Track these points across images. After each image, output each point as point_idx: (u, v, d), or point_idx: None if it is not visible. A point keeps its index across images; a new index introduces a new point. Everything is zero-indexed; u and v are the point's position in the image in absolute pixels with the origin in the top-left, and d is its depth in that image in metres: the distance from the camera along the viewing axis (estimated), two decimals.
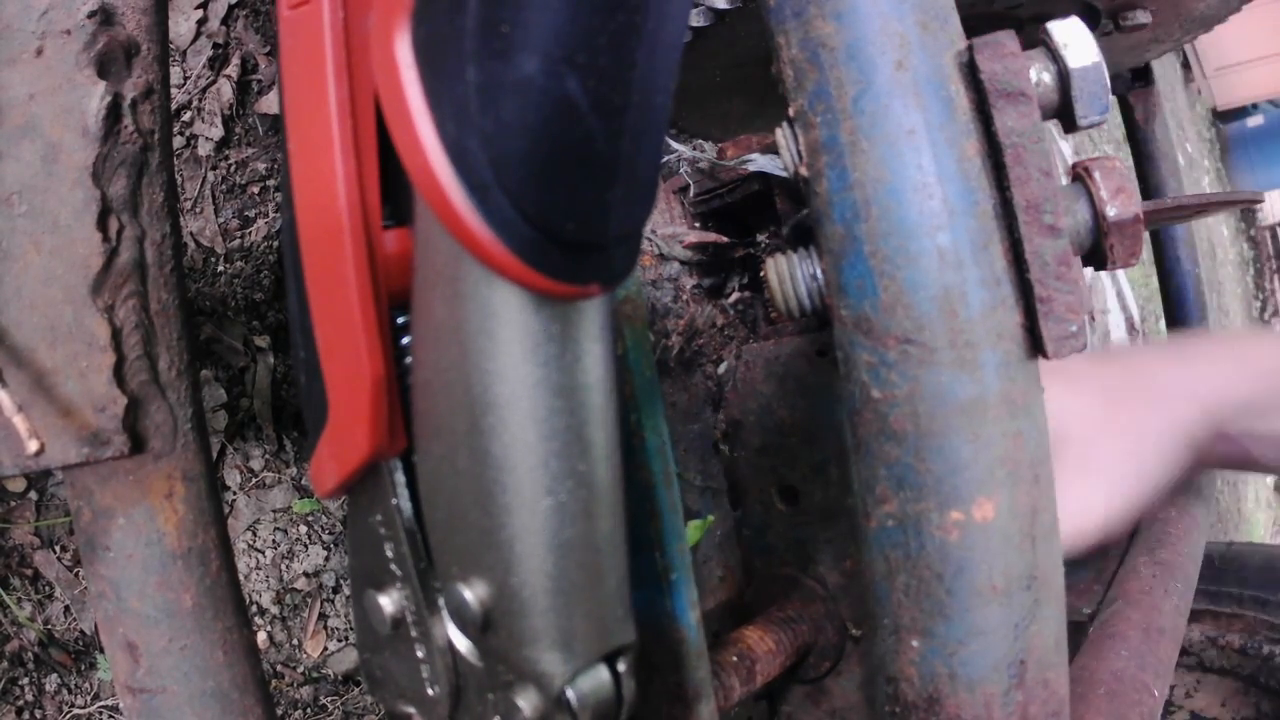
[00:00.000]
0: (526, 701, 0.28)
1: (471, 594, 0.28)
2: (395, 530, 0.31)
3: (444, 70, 0.23)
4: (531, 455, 0.26)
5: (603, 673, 0.29)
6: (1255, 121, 6.26)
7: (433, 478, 0.29)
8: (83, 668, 0.87)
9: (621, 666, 0.29)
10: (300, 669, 0.97)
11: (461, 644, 0.31)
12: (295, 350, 0.33)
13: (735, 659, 0.47)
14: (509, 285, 0.24)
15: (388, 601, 0.32)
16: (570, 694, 0.28)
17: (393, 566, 0.32)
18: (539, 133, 0.22)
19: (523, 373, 0.25)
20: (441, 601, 0.31)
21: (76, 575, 0.87)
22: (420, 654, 0.32)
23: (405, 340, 0.30)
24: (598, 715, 0.28)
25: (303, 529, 0.99)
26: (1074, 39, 0.32)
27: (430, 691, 0.32)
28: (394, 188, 0.30)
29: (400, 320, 0.30)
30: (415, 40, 0.24)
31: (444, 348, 0.26)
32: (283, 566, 0.97)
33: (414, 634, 0.32)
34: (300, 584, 0.98)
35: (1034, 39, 0.33)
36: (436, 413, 0.28)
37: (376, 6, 0.25)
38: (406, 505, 0.31)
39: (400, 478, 0.31)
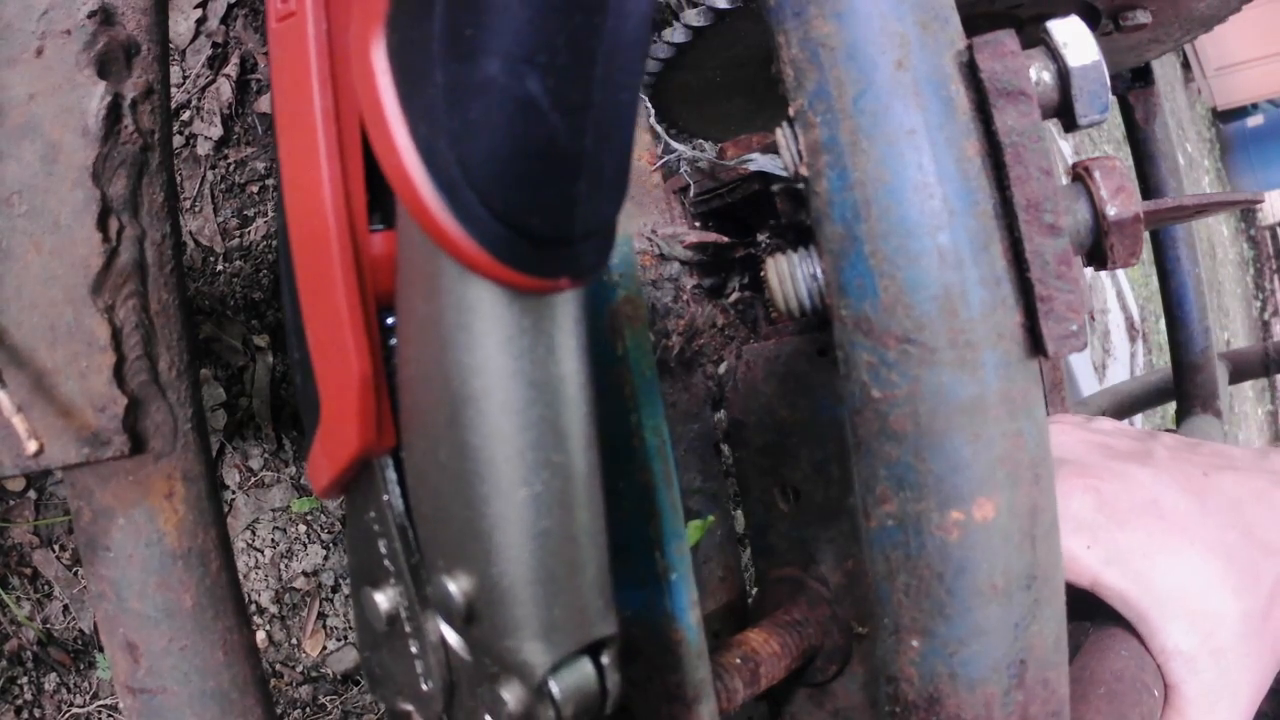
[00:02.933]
0: (510, 693, 0.28)
1: (455, 586, 0.29)
2: (387, 526, 0.32)
3: (415, 74, 0.24)
4: (507, 446, 0.27)
5: (585, 665, 0.29)
6: (1255, 121, 6.27)
7: (418, 472, 0.30)
8: (82, 667, 0.87)
9: (605, 659, 0.29)
10: (299, 668, 0.97)
11: (452, 638, 0.31)
12: (291, 351, 0.33)
13: (739, 661, 0.47)
14: (481, 280, 0.25)
15: (383, 598, 0.33)
16: (553, 685, 0.28)
17: (386, 563, 0.32)
18: (503, 131, 0.23)
19: (497, 365, 0.26)
20: (432, 596, 0.31)
21: (76, 575, 0.87)
22: (414, 650, 0.32)
23: (394, 340, 0.31)
24: (580, 707, 0.29)
25: (302, 528, 0.99)
26: (1074, 38, 0.32)
27: (424, 687, 0.32)
28: (380, 192, 0.30)
29: (389, 320, 0.31)
30: (389, 46, 0.24)
31: (424, 344, 0.27)
32: (282, 566, 0.97)
33: (408, 630, 0.32)
34: (299, 583, 0.98)
35: (1034, 38, 0.33)
36: (420, 408, 0.29)
37: (355, 16, 0.26)
38: (398, 501, 0.31)
39: (391, 474, 0.32)
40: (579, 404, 0.28)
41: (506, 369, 0.26)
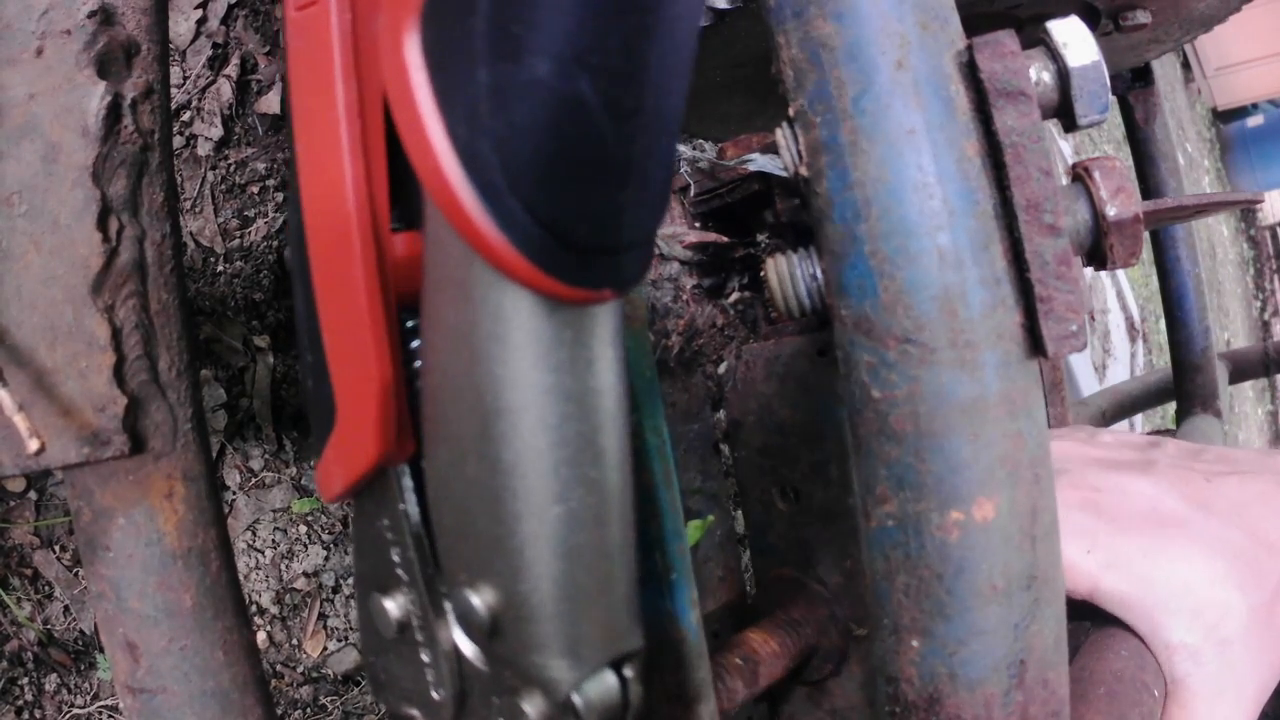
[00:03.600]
0: (533, 707, 0.28)
1: (479, 600, 0.28)
2: (402, 535, 0.31)
3: (454, 72, 0.23)
4: (542, 462, 0.26)
5: (609, 679, 0.28)
6: (1255, 121, 6.27)
7: (442, 483, 0.29)
8: (82, 667, 0.87)
9: (628, 672, 0.29)
10: (300, 669, 0.97)
11: (467, 649, 0.31)
12: (302, 354, 0.32)
13: (739, 661, 0.47)
14: (520, 290, 0.24)
15: (393, 605, 0.32)
16: (577, 700, 0.28)
17: (399, 571, 0.32)
18: (551, 134, 0.22)
19: (534, 378, 0.25)
20: (448, 606, 0.31)
21: (76, 575, 0.87)
22: (425, 658, 0.32)
23: (414, 344, 0.30)
24: None
25: (302, 529, 0.99)
26: (1074, 38, 0.32)
27: (435, 695, 0.32)
28: (403, 191, 0.29)
29: (409, 324, 0.30)
30: (425, 42, 0.23)
31: (454, 353, 0.26)
32: (282, 566, 0.97)
33: (419, 638, 0.32)
34: (300, 584, 0.98)
35: (1034, 38, 0.33)
36: (446, 418, 0.28)
37: (385, 8, 0.25)
38: (414, 510, 0.31)
39: (408, 482, 0.31)
40: (616, 418, 0.27)
41: (544, 382, 0.25)
